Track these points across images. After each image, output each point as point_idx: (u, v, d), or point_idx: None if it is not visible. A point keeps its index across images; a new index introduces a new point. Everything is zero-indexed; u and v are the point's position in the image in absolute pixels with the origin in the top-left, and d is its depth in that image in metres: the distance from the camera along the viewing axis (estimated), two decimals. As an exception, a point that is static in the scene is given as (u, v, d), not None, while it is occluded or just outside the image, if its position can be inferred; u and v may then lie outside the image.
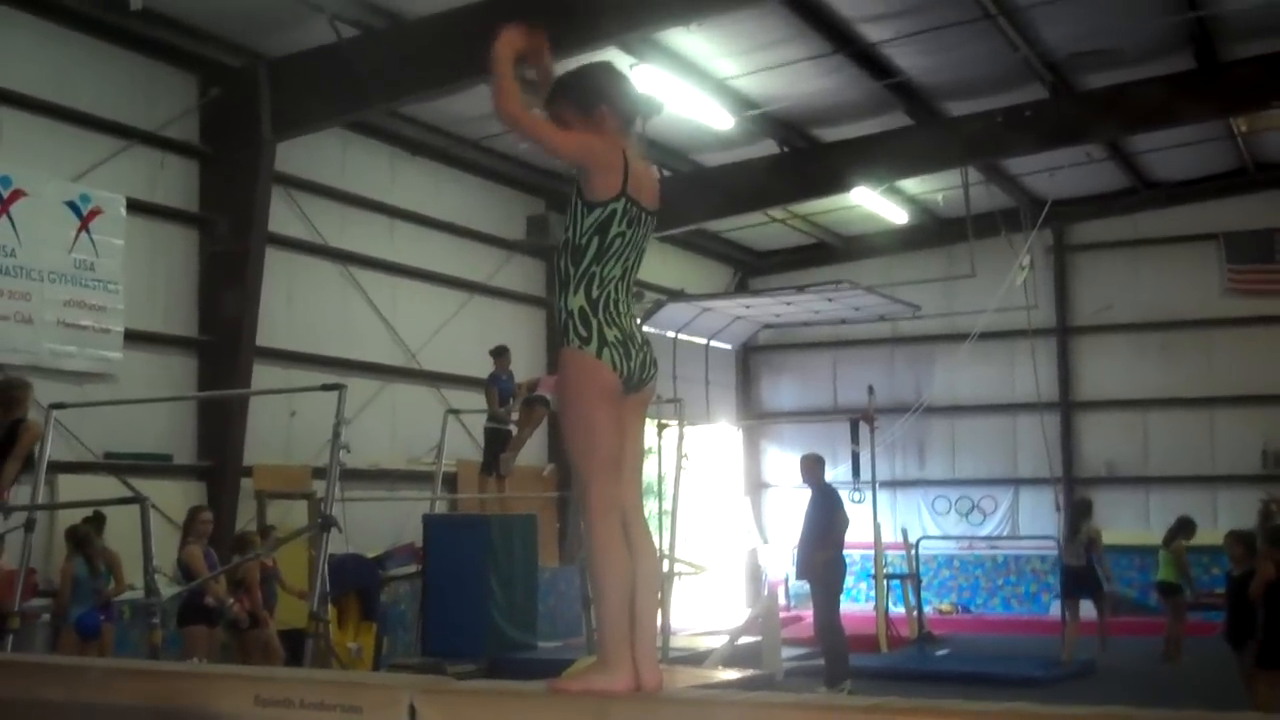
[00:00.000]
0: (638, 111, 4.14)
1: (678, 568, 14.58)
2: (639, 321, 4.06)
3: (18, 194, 12.16)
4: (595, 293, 3.89)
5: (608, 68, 4.21)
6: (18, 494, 9.86)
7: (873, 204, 20.19)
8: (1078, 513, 15.28)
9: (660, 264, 22.02)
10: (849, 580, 14.53)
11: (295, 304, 15.26)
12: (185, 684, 4.19)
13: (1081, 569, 14.72)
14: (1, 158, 12.14)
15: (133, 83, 13.58)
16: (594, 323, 3.87)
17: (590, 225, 3.93)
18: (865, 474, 17.05)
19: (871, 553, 16.83)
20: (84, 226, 12.75)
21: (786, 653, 13.86)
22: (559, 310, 3.96)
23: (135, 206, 13.35)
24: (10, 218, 12.10)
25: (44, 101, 12.56)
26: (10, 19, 12.35)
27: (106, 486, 11.12)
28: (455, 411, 15.34)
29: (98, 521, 10.76)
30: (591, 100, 4.07)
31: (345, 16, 13.44)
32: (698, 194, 18.75)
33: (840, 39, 15.00)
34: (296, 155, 14.93)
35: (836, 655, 12.59)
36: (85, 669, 4.43)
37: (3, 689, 4.41)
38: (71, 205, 12.68)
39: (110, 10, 12.62)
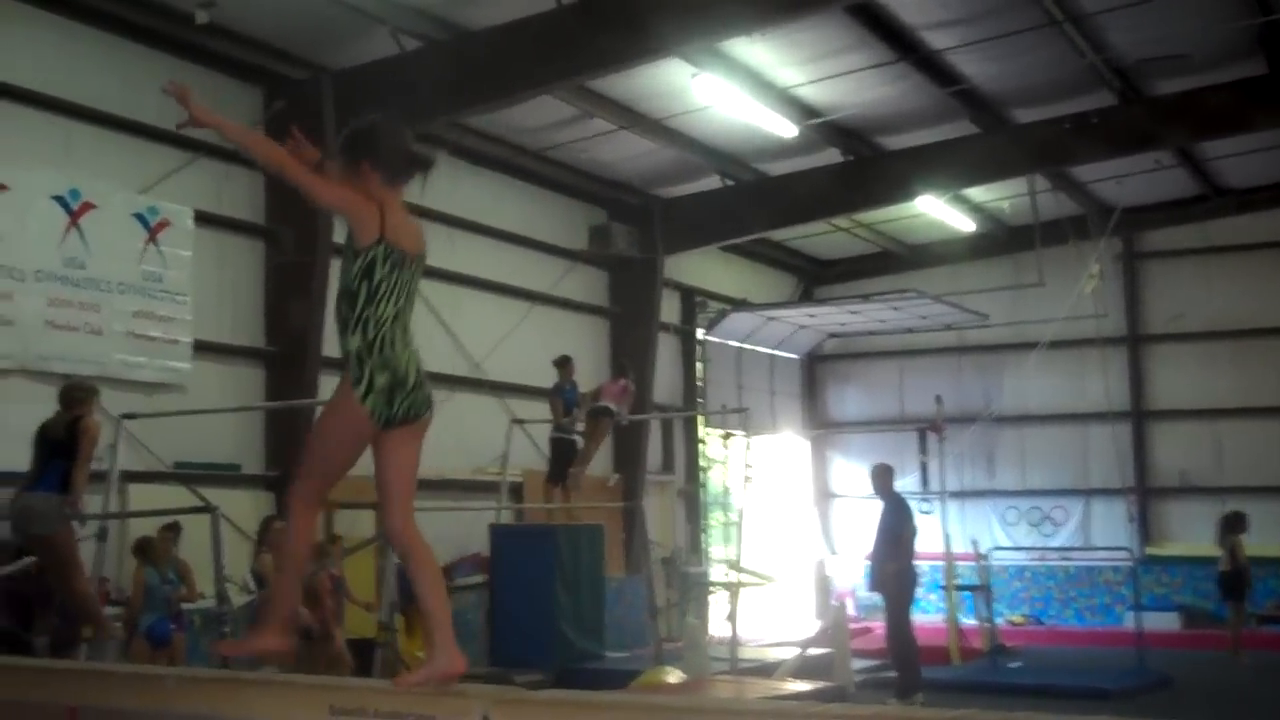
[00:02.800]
0: (404, 167, 4.49)
1: (744, 578, 14.43)
2: (417, 354, 4.44)
3: (87, 206, 12.27)
4: (370, 334, 4.31)
5: (378, 126, 4.51)
6: (89, 503, 9.91)
7: (938, 212, 20.01)
8: (1228, 524, 15.98)
9: (723, 274, 21.95)
10: (919, 591, 14.33)
11: (360, 314, 15.24)
12: (260, 693, 4.16)
13: (1227, 574, 15.63)
14: (71, 171, 12.26)
15: (199, 96, 13.52)
16: (367, 366, 4.31)
17: (358, 270, 4.33)
18: (934, 484, 16.85)
19: (941, 564, 16.61)
20: (152, 238, 12.85)
21: (856, 664, 13.68)
22: (341, 348, 4.39)
23: (202, 218, 13.43)
24: (80, 230, 12.21)
25: (112, 115, 12.67)
26: (79, 34, 12.48)
27: (176, 496, 11.17)
28: (520, 421, 15.30)
29: (175, 531, 10.82)
30: (355, 156, 4.44)
31: (407, 29, 13.47)
32: (761, 203, 18.68)
33: (904, 47, 14.87)
34: (360, 166, 14.92)
35: (908, 667, 12.43)
36: (161, 678, 4.40)
37: (79, 696, 4.40)
38: (139, 217, 12.79)
39: (177, 25, 12.72)
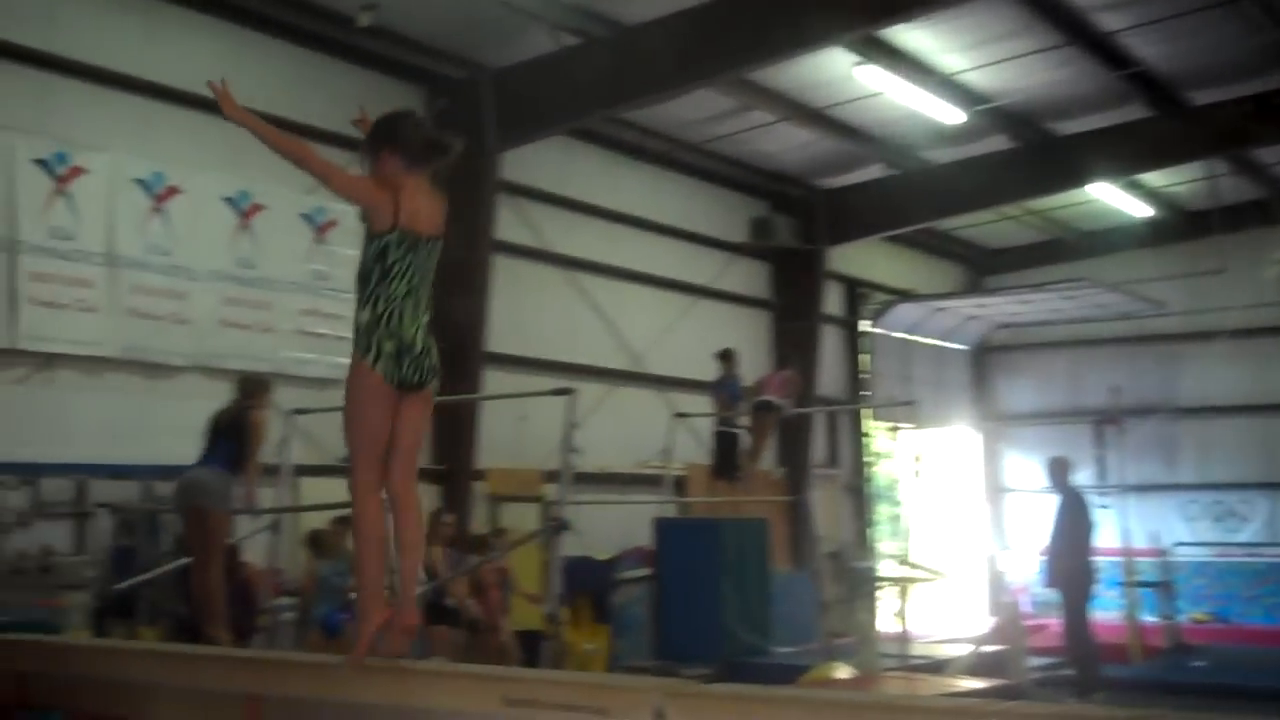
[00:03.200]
0: (422, 152, 4.81)
1: (914, 573, 14.14)
2: (426, 327, 4.73)
3: (256, 208, 12.56)
4: (380, 308, 4.62)
5: (398, 115, 4.93)
6: (263, 497, 10.10)
7: (1111, 198, 19.45)
8: None
9: (888, 264, 21.64)
10: (1097, 588, 13.87)
11: (522, 310, 15.42)
12: (434, 683, 4.15)
13: None
14: (241, 173, 12.54)
15: (362, 97, 13.69)
16: (375, 335, 4.60)
17: (372, 254, 4.66)
18: (1111, 478, 16.33)
19: (1120, 559, 16.09)
20: (319, 237, 13.09)
21: (1032, 662, 13.30)
22: (354, 321, 4.67)
23: (366, 217, 13.59)
24: (250, 230, 12.49)
25: (279, 118, 12.83)
26: (247, 39, 12.78)
27: (347, 489, 11.32)
28: (683, 415, 15.22)
29: (346, 524, 10.98)
30: (376, 144, 4.78)
31: (566, 25, 13.52)
32: (926, 192, 18.37)
33: (1073, 29, 14.46)
34: (521, 163, 15.07)
35: (1087, 665, 12.09)
36: (336, 667, 4.41)
37: (260, 685, 4.44)
38: (307, 217, 13.05)
39: (340, 28, 12.94)
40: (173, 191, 11.92)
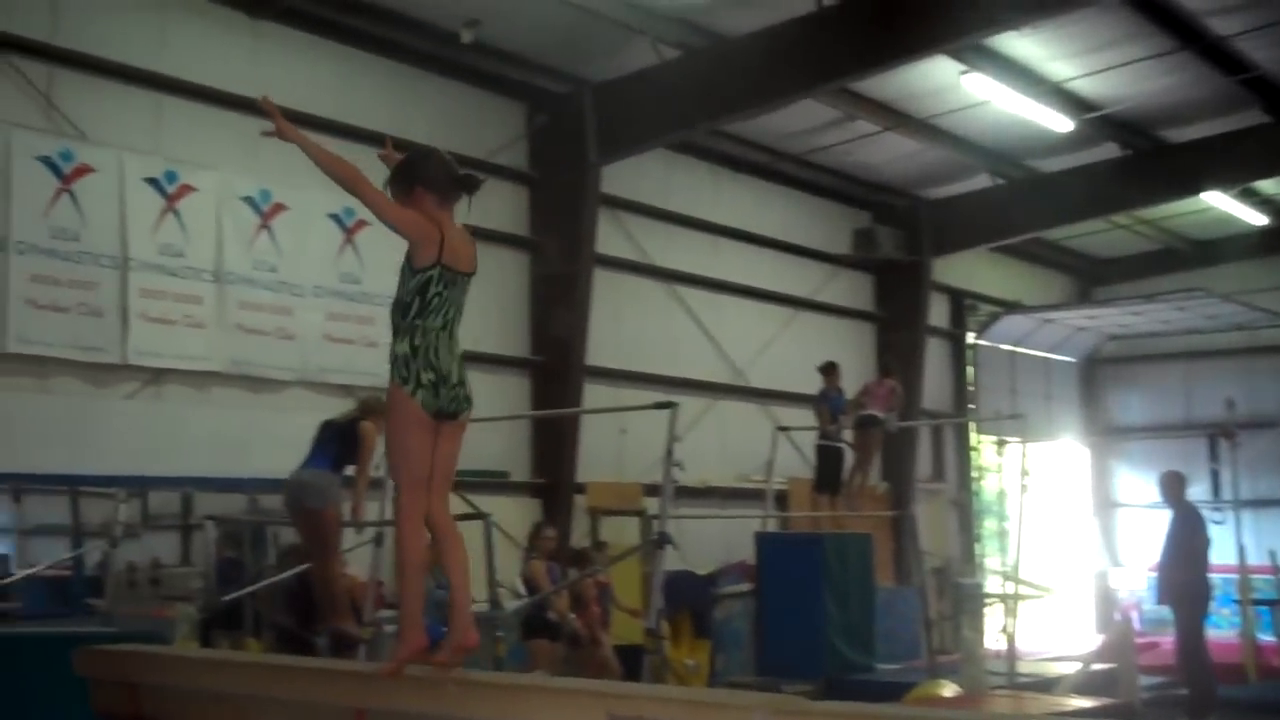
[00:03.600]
0: (453, 188, 4.82)
1: (1022, 590, 13.86)
2: (461, 359, 4.81)
3: (361, 224, 12.66)
4: (418, 340, 4.67)
5: (427, 153, 4.95)
6: (367, 510, 10.17)
7: (1226, 206, 18.97)
8: None
9: (996, 275, 21.35)
10: (1211, 606, 13.51)
11: (623, 323, 15.42)
12: (539, 698, 4.11)
13: None
14: (344, 191, 12.64)
15: (464, 113, 14.01)
16: (414, 366, 4.66)
17: (413, 287, 4.70)
18: (1226, 493, 15.89)
19: (1235, 576, 15.64)
20: (424, 253, 13.15)
21: (1143, 681, 12.98)
22: (391, 352, 4.73)
23: (469, 232, 13.66)
24: (354, 247, 12.63)
25: (383, 134, 12.98)
26: (352, 58, 12.97)
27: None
28: (784, 429, 15.09)
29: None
30: (409, 181, 4.81)
31: (667, 38, 13.51)
32: (1034, 201, 18.09)
33: (1186, 34, 14.14)
34: (621, 177, 15.09)
35: (1202, 685, 11.76)
36: (442, 682, 4.40)
37: (365, 699, 4.44)
38: (410, 234, 13.11)
39: (444, 45, 13.05)
40: (279, 209, 12.10)
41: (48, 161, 10.68)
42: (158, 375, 11.32)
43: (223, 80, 11.89)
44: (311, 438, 9.07)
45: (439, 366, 4.69)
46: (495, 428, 13.38)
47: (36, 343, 10.51)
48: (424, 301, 4.69)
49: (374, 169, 4.97)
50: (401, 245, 13.23)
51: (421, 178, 4.80)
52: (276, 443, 11.05)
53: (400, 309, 4.73)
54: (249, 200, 11.95)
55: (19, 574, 10.84)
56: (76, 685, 5.58)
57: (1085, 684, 12.04)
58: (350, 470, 9.01)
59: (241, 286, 11.82)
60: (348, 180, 4.70)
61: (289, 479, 8.79)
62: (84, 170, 10.88)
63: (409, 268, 4.74)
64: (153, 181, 11.32)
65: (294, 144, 4.84)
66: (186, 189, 11.51)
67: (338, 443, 8.88)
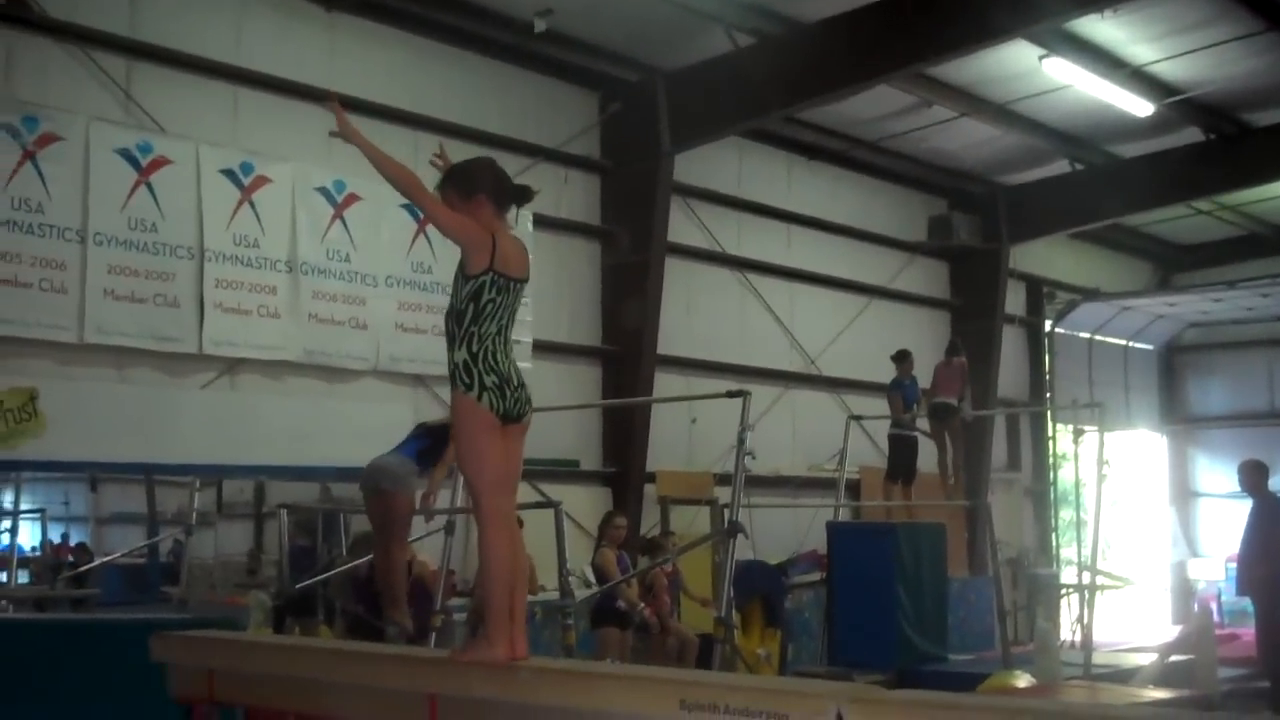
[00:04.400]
0: (510, 200, 4.96)
1: (1098, 580, 13.67)
2: (516, 363, 4.86)
3: (436, 216, 12.71)
4: (475, 347, 4.71)
5: (488, 163, 5.06)
6: (441, 499, 10.21)
7: (1312, 191, 18.55)
8: None
9: (1074, 262, 21.11)
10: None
11: (694, 312, 15.39)
12: (612, 686, 4.11)
13: None
14: (430, 184, 12.71)
15: (537, 103, 14.03)
16: (475, 372, 4.69)
17: (467, 293, 4.74)
18: (1310, 483, 15.57)
19: (1320, 569, 15.33)
20: (495, 242, 13.19)
21: (1223, 673, 12.75)
22: (449, 362, 4.77)
23: (541, 221, 13.74)
24: (427, 236, 12.68)
25: (456, 124, 13.11)
26: (426, 49, 13.05)
27: (520, 491, 11.39)
28: (857, 418, 14.99)
29: (518, 525, 11.03)
30: (471, 189, 4.86)
31: (741, 25, 13.41)
32: (1114, 187, 17.82)
33: (1273, 14, 13.80)
34: (694, 165, 15.05)
35: (1285, 678, 11.52)
36: (516, 668, 4.40)
37: (438, 685, 4.45)
38: (483, 222, 13.15)
39: (517, 34, 13.06)
40: (352, 199, 12.18)
41: (126, 154, 10.82)
42: (233, 365, 11.45)
43: (298, 72, 12.00)
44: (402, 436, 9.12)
45: (500, 370, 4.73)
46: (566, 416, 13.40)
47: (114, 333, 10.66)
48: (478, 308, 4.72)
49: (463, 159, 5.04)
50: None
51: (484, 186, 4.87)
52: (349, 432, 11.16)
53: (455, 317, 4.77)
54: (323, 191, 12.04)
55: (96, 561, 11.05)
56: (153, 671, 5.64)
57: (1163, 676, 11.86)
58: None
59: (315, 277, 11.91)
60: (405, 185, 4.76)
61: (370, 462, 8.83)
62: (161, 162, 11.01)
63: (462, 274, 4.79)
64: (229, 173, 11.44)
65: (354, 145, 4.91)
66: (262, 180, 11.62)
67: (428, 440, 8.90)
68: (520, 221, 13.45)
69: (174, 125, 11.20)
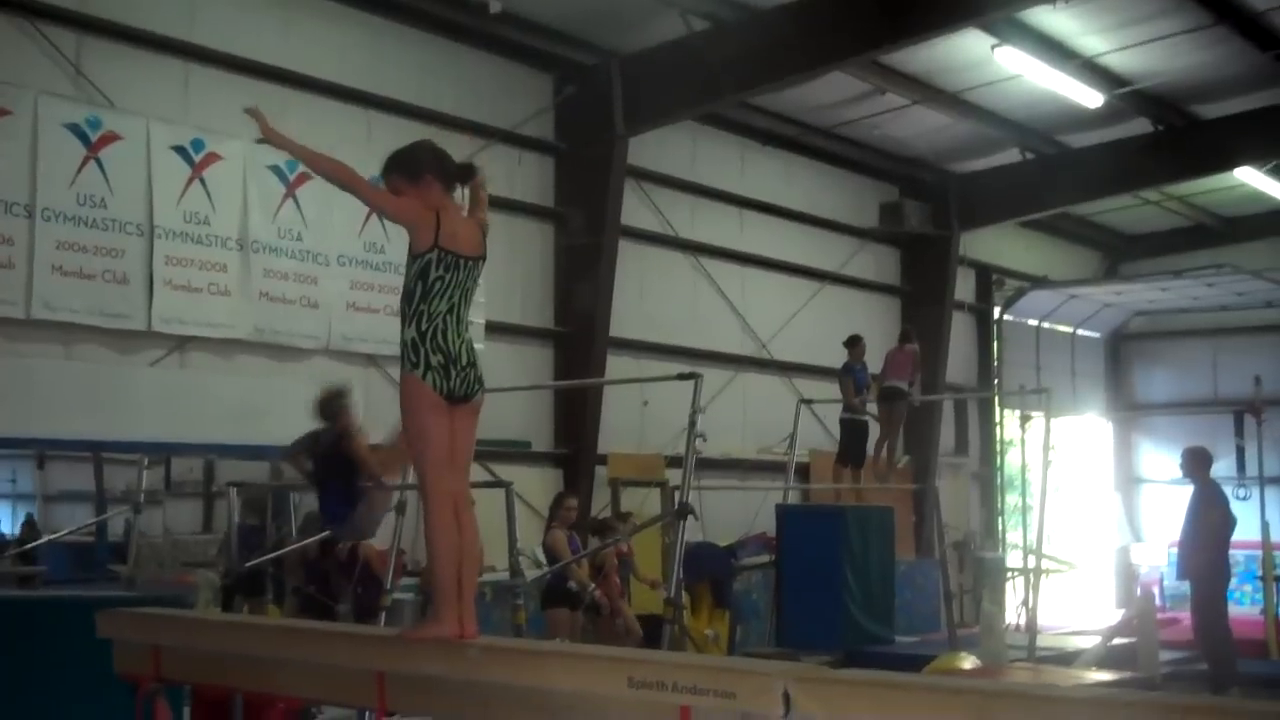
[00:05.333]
0: (455, 179, 5.01)
1: (1043, 564, 13.85)
2: (470, 343, 4.88)
3: (387, 193, 12.67)
4: (424, 325, 4.72)
5: (428, 144, 5.11)
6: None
7: (1258, 183, 18.79)
8: None
9: (1023, 250, 21.27)
10: (1233, 582, 13.47)
11: (647, 295, 15.42)
12: (560, 664, 4.14)
13: None
14: (372, 160, 12.58)
15: (492, 84, 13.99)
16: (422, 350, 4.71)
17: (414, 272, 4.78)
18: (1251, 469, 15.81)
19: (1259, 552, 15.59)
20: (448, 223, 13.17)
21: (1164, 655, 12.95)
22: (400, 340, 4.79)
23: (494, 203, 13.46)
24: (380, 219, 12.60)
25: (410, 105, 13.07)
26: (380, 29, 12.95)
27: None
28: (808, 401, 15.09)
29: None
30: (418, 171, 4.89)
31: (696, 9, 13.45)
32: (1063, 176, 17.98)
33: (1222, 8, 14.01)
34: (648, 149, 15.06)
35: (1223, 660, 11.72)
36: (465, 646, 4.43)
37: (387, 662, 4.47)
38: (436, 203, 13.12)
39: (472, 15, 13.01)
40: (304, 178, 12.07)
41: (75, 129, 10.70)
42: (182, 342, 11.37)
43: (252, 50, 11.90)
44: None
45: (446, 349, 4.73)
46: (518, 397, 13.41)
47: (62, 309, 10.55)
48: (426, 286, 4.74)
49: (395, 134, 5.04)
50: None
51: (430, 167, 4.90)
52: (300, 411, 11.09)
53: (406, 296, 4.79)
54: (275, 169, 11.95)
55: (43, 539, 10.95)
56: (100, 648, 5.63)
57: (1106, 658, 12.03)
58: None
59: (266, 255, 11.84)
60: (341, 178, 4.85)
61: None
62: (111, 138, 10.90)
63: (410, 255, 4.82)
64: (179, 150, 11.33)
65: (280, 148, 4.97)
66: (213, 157, 11.52)
67: (330, 475, 8.80)
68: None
69: (124, 100, 11.09)
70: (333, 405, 8.86)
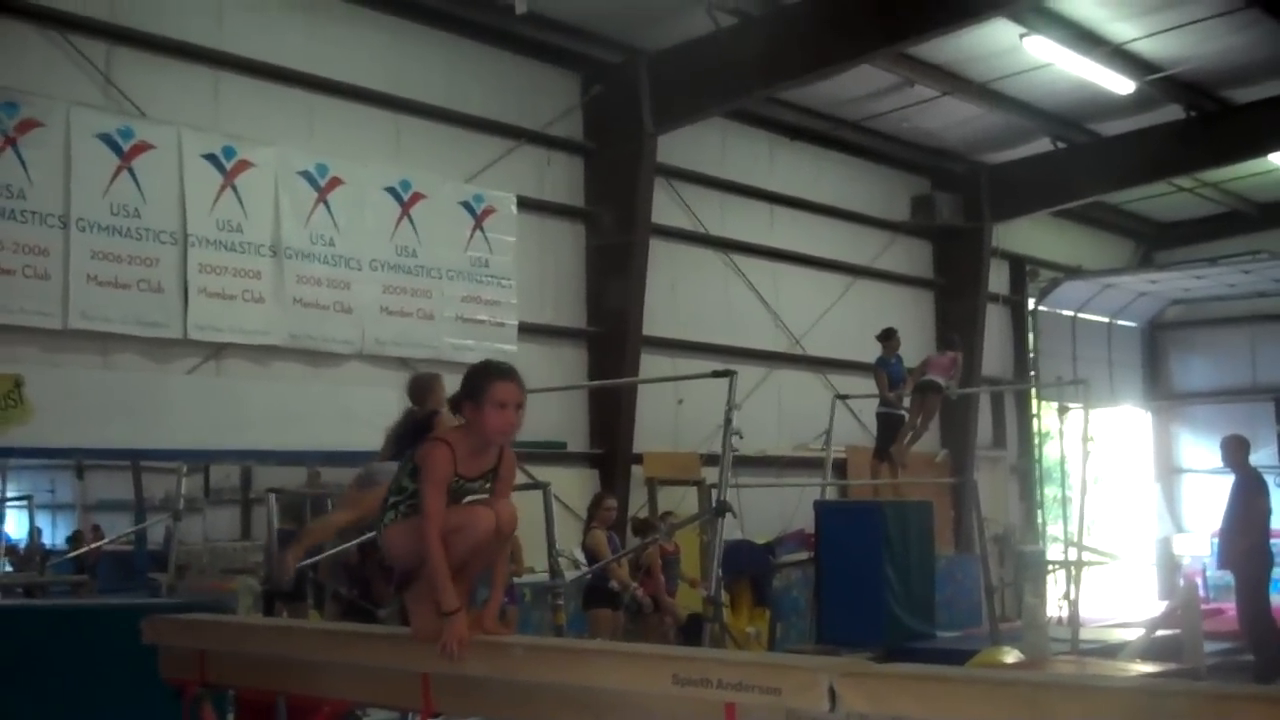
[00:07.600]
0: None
1: (1084, 556, 13.75)
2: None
3: (417, 197, 12.74)
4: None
5: (478, 366, 4.87)
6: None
7: (1293, 167, 18.61)
8: None
9: (1056, 240, 21.15)
10: (1275, 571, 13.35)
11: (679, 293, 15.40)
12: (604, 663, 4.11)
13: None
14: (401, 163, 12.74)
15: (519, 84, 14.00)
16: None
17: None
18: (1292, 457, 15.69)
19: (1301, 542, 15.44)
20: (478, 225, 13.24)
21: (1208, 647, 12.83)
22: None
23: (525, 204, 13.74)
24: (411, 220, 12.68)
25: (438, 107, 13.10)
26: (407, 31, 12.98)
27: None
28: (843, 397, 15.03)
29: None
30: (479, 394, 4.69)
31: (723, 6, 13.39)
32: (1095, 165, 17.85)
33: (1253, -10, 13.84)
34: (677, 146, 15.03)
35: (1267, 649, 11.61)
36: (509, 646, 4.41)
37: (427, 663, 4.45)
38: (466, 205, 13.19)
39: (498, 15, 13.02)
40: (336, 183, 12.15)
41: (107, 139, 10.76)
42: (218, 350, 11.42)
43: (279, 55, 11.95)
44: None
45: None
46: (552, 398, 13.38)
47: (98, 319, 10.61)
48: None
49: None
50: (457, 217, 13.32)
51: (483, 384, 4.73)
52: (335, 415, 11.15)
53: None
54: (306, 175, 12.00)
55: (85, 548, 11.02)
56: (145, 654, 5.64)
57: (1150, 650, 11.93)
58: None
59: (299, 261, 11.88)
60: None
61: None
62: (143, 147, 10.95)
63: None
64: (211, 158, 11.38)
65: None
66: (244, 164, 11.56)
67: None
68: (504, 204, 13.47)
69: (155, 110, 11.14)
70: (423, 388, 8.92)
